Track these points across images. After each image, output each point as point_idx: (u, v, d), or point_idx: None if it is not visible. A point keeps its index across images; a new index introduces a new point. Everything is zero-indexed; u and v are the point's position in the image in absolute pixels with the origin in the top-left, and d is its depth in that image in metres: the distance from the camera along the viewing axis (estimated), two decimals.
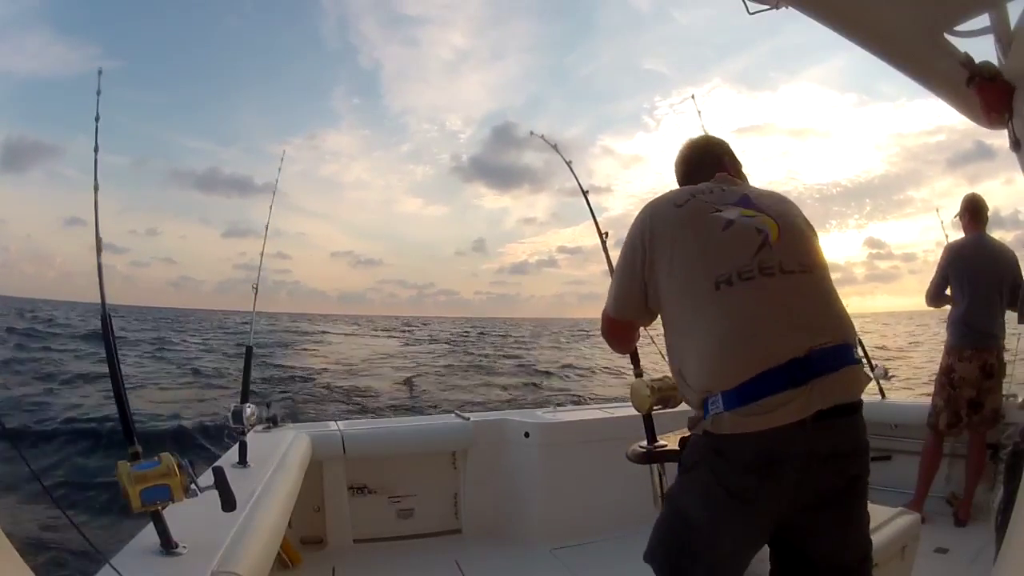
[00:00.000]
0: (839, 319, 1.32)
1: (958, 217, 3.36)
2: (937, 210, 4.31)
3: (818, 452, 1.22)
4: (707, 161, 1.59)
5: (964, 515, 3.10)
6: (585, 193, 2.44)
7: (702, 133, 2.69)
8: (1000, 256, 3.22)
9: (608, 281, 2.14)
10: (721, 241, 1.33)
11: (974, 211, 3.26)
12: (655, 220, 1.43)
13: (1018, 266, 3.22)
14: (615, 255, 1.60)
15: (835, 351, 1.25)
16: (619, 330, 1.63)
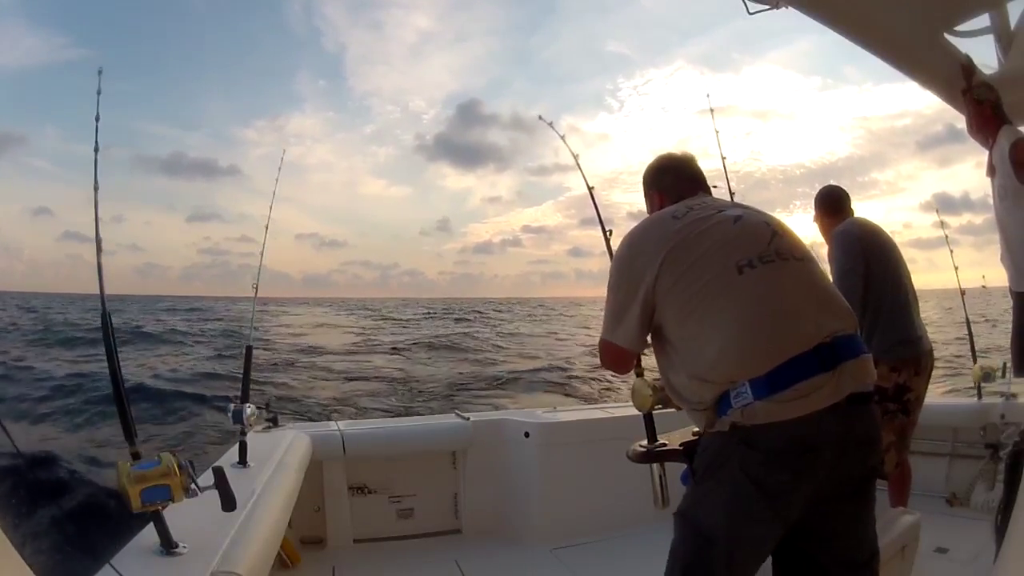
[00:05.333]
0: (848, 310, 1.33)
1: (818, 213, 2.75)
2: (936, 207, 4.36)
3: (851, 437, 1.22)
4: (693, 175, 1.62)
5: None
6: (591, 189, 2.39)
7: (714, 131, 2.67)
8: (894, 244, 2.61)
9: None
10: (735, 233, 1.35)
11: (835, 201, 2.71)
12: (660, 236, 1.39)
13: None
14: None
15: (852, 339, 1.27)
16: (625, 357, 1.54)
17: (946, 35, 2.29)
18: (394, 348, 19.19)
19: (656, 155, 1.71)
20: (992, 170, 2.35)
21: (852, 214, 2.71)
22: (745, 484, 1.20)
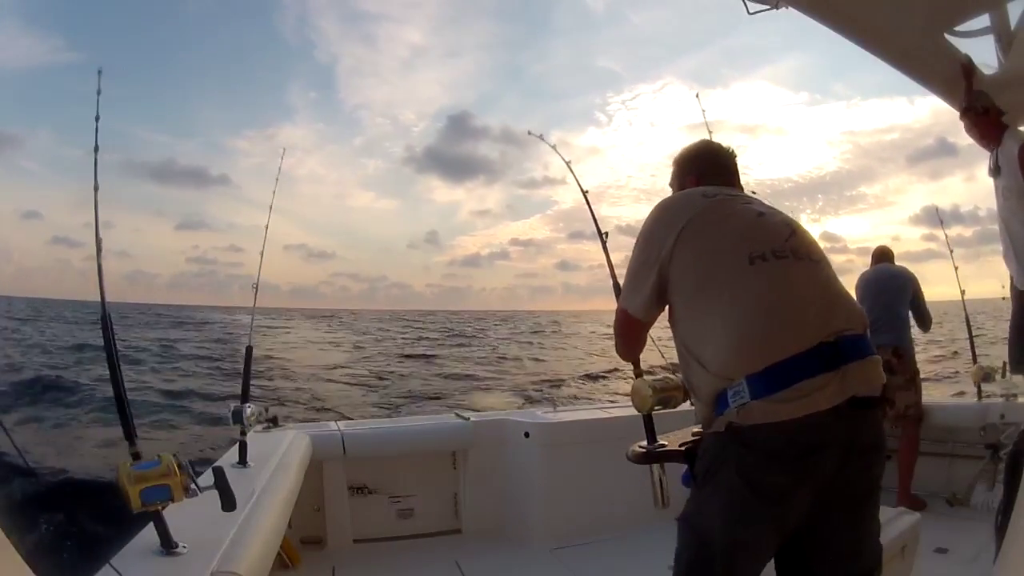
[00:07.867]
0: (859, 311, 1.32)
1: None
2: (938, 213, 4.67)
3: (855, 443, 1.18)
4: (731, 168, 1.63)
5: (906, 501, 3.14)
6: (585, 193, 2.42)
7: (707, 133, 2.68)
8: (896, 278, 3.78)
9: (606, 278, 2.13)
10: (756, 225, 1.35)
11: (876, 256, 3.96)
12: (685, 208, 1.40)
13: (912, 282, 3.71)
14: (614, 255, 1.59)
15: (860, 339, 1.24)
16: (635, 328, 1.53)
17: (946, 35, 2.29)
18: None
19: (700, 140, 1.73)
20: (996, 170, 2.36)
21: (890, 260, 3.84)
22: (741, 489, 1.17)
